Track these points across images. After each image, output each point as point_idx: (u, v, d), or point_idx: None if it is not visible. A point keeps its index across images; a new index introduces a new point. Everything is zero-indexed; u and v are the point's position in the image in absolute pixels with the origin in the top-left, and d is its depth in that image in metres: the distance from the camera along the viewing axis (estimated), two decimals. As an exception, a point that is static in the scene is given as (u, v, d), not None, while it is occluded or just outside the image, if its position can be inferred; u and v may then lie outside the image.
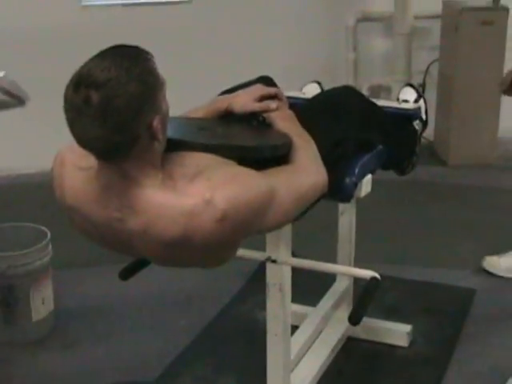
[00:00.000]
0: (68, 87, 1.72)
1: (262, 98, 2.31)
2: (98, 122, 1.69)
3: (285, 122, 2.25)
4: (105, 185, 1.85)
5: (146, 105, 1.74)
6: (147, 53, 1.80)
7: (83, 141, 1.75)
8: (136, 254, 2.10)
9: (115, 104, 1.68)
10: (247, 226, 1.87)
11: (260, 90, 2.36)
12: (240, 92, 2.38)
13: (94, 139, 1.72)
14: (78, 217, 1.97)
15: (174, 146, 1.93)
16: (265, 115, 2.28)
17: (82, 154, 1.83)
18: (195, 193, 1.79)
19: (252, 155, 1.98)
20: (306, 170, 2.09)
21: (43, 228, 3.39)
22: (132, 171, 1.81)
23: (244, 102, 2.30)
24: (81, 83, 1.69)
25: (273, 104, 2.30)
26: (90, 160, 1.84)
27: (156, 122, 1.77)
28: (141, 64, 1.75)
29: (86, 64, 1.74)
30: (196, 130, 2.15)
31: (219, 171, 1.86)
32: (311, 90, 3.01)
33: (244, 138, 2.19)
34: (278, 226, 2.04)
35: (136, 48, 1.80)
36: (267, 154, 2.03)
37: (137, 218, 1.82)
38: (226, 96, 2.41)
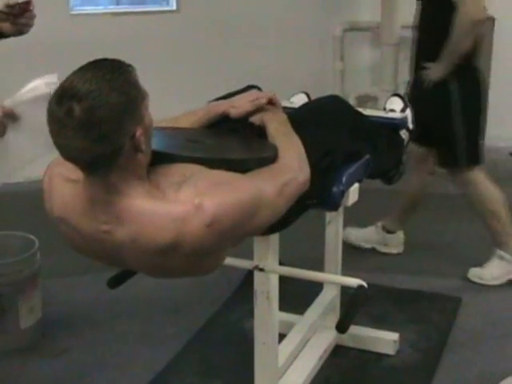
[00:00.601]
0: (51, 100, 1.74)
1: None
2: (81, 133, 1.70)
3: (277, 124, 2.28)
4: (91, 198, 1.86)
5: (128, 116, 1.75)
6: (128, 65, 1.82)
7: (67, 153, 1.77)
8: (124, 266, 2.11)
9: (97, 115, 1.69)
10: (237, 229, 1.88)
11: (255, 94, 2.42)
12: (236, 97, 2.45)
13: (78, 151, 1.73)
14: (66, 228, 1.98)
15: (161, 159, 1.95)
16: (258, 117, 2.31)
17: (70, 166, 1.84)
18: (184, 199, 1.80)
19: (238, 169, 1.99)
20: (289, 167, 2.10)
21: (31, 237, 3.39)
22: (118, 183, 1.82)
23: (239, 104, 2.34)
24: (63, 96, 1.71)
25: (262, 99, 2.34)
26: (78, 172, 1.85)
27: (139, 133, 1.78)
28: (122, 76, 1.77)
29: (68, 77, 1.75)
30: (184, 141, 2.17)
31: (205, 177, 1.87)
32: (299, 101, 3.03)
33: (231, 151, 2.21)
34: (268, 224, 2.04)
35: (117, 61, 1.81)
36: (253, 167, 2.04)
37: (125, 229, 1.83)
38: (222, 100, 2.47)
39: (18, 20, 2.48)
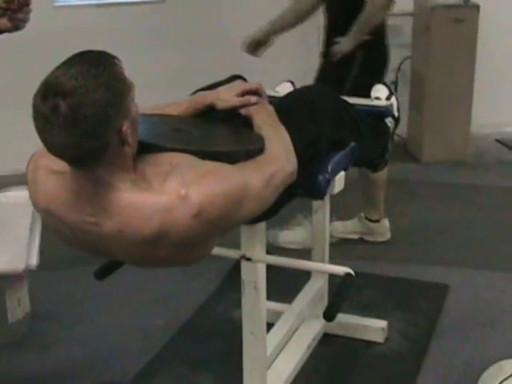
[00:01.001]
0: (36, 96, 1.71)
1: (244, 94, 2.34)
2: (67, 130, 1.68)
3: (263, 116, 2.27)
4: (78, 191, 1.86)
5: (115, 111, 1.74)
6: (113, 57, 1.80)
7: (53, 149, 1.75)
8: (112, 256, 2.10)
9: (83, 112, 1.68)
10: (224, 219, 1.88)
11: (242, 85, 2.40)
12: (222, 88, 2.43)
13: (64, 147, 1.73)
14: (52, 219, 1.97)
15: (147, 149, 1.94)
16: (244, 109, 2.30)
17: (54, 157, 1.83)
18: (170, 190, 1.80)
19: (226, 161, 1.98)
20: (276, 158, 2.09)
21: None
22: (105, 176, 1.81)
23: (226, 97, 2.33)
24: (48, 92, 1.69)
25: (253, 98, 2.33)
26: (63, 163, 1.84)
27: (125, 127, 1.78)
28: (107, 70, 1.75)
29: (52, 72, 1.73)
30: (170, 131, 2.15)
31: (192, 168, 1.87)
32: (284, 89, 3.02)
33: (218, 142, 2.20)
34: (254, 214, 2.04)
35: (102, 53, 1.80)
36: (241, 159, 2.04)
37: (112, 220, 1.83)
38: (208, 92, 2.44)
39: (16, 15, 2.45)
